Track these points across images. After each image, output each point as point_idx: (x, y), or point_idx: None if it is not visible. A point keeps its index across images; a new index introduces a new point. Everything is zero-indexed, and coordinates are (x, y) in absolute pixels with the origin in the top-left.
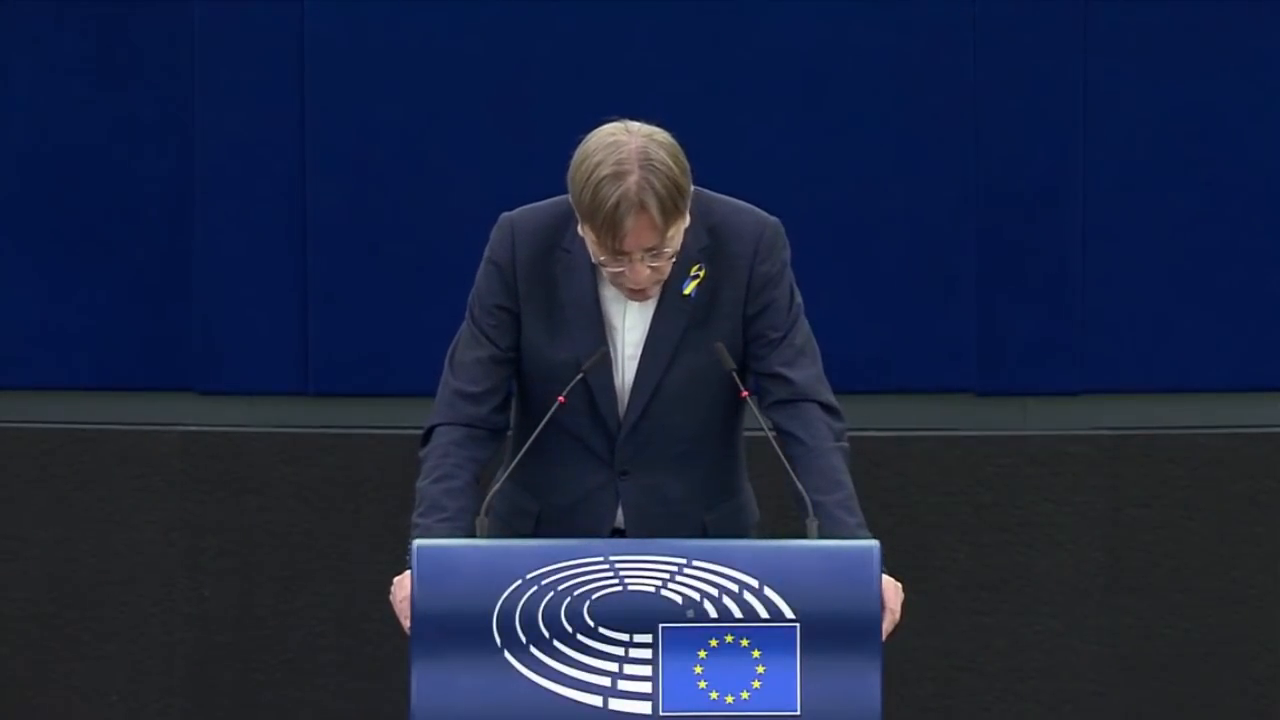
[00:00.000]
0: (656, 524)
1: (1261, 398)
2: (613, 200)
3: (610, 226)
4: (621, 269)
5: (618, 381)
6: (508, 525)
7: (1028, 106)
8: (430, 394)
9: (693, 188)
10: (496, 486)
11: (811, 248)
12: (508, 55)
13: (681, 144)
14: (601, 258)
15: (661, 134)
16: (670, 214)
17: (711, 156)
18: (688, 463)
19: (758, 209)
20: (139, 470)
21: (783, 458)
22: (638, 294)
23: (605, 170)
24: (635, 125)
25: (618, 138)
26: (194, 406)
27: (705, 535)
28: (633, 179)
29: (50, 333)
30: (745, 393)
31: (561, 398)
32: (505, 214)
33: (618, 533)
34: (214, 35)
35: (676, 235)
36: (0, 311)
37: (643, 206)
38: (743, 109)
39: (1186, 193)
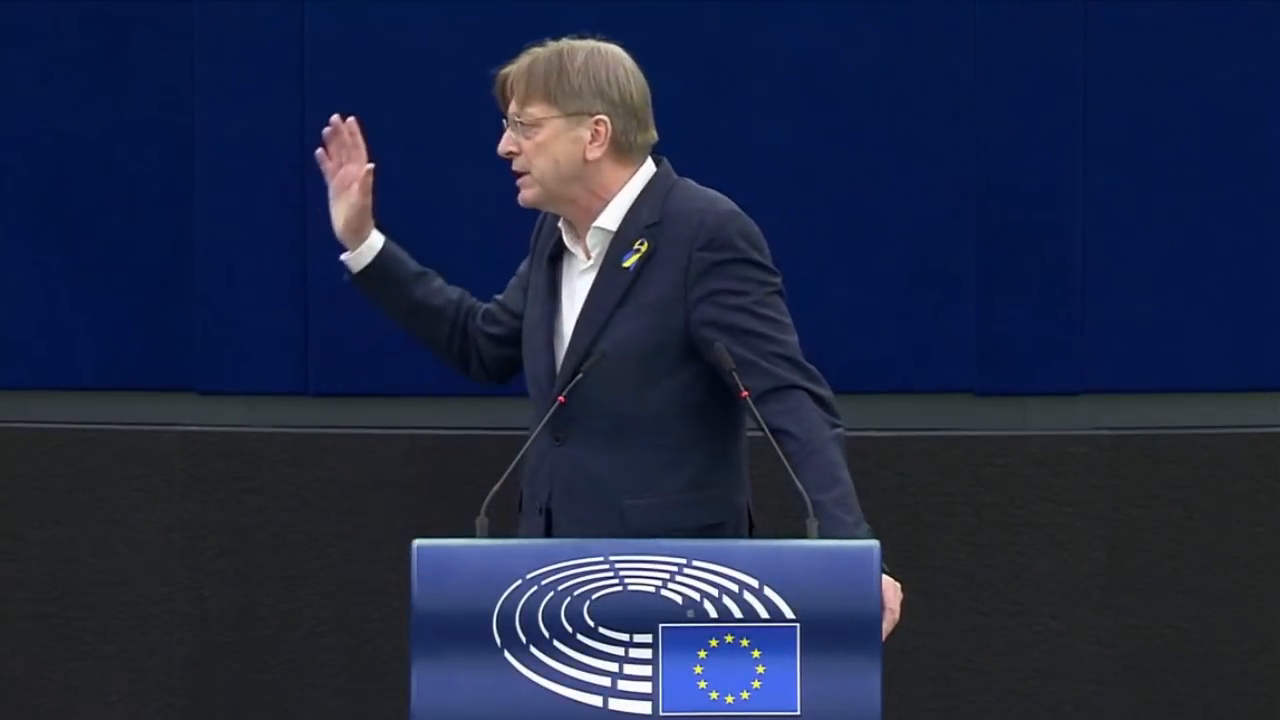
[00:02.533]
0: (578, 501)
1: (1261, 398)
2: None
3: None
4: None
5: (560, 348)
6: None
7: (1028, 106)
8: (430, 394)
9: (681, 179)
10: (496, 487)
11: (812, 248)
12: (508, 55)
13: (678, 137)
14: None
15: (615, 52)
16: (532, 90)
17: (712, 156)
18: (614, 441)
19: (725, 201)
20: (139, 470)
21: (782, 455)
22: (517, 181)
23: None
24: (609, 43)
25: (590, 38)
26: (194, 406)
27: (622, 520)
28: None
29: (50, 333)
30: (745, 392)
31: (562, 397)
32: None
33: (548, 511)
34: (214, 35)
35: (545, 125)
36: (0, 311)
37: (510, 69)
38: (743, 109)
39: (1186, 193)
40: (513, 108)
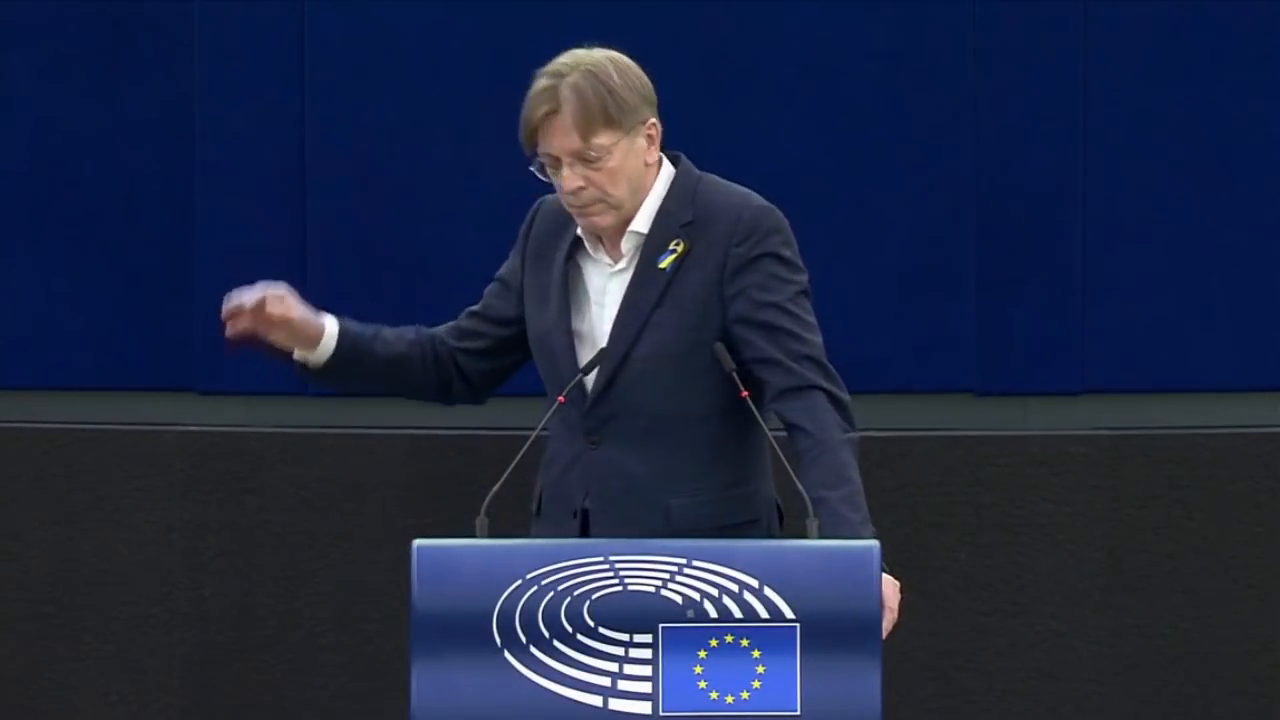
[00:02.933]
0: (617, 502)
1: (1261, 398)
2: (533, 100)
3: (533, 129)
4: (560, 179)
5: (589, 351)
6: (531, 507)
7: (1028, 106)
8: None
9: (705, 175)
10: (497, 487)
11: (812, 247)
12: (508, 55)
13: (679, 138)
14: (550, 174)
15: (622, 56)
16: (593, 121)
17: (711, 156)
18: (653, 441)
19: (756, 196)
20: (139, 470)
21: (783, 457)
22: (585, 215)
23: (540, 78)
24: (596, 49)
25: (574, 50)
26: (194, 406)
27: (667, 519)
28: (559, 80)
29: (50, 333)
30: (745, 393)
31: (561, 397)
32: (543, 196)
33: (584, 513)
34: (214, 35)
35: (614, 149)
36: (0, 311)
37: (557, 107)
38: (743, 108)
39: (1186, 193)
40: (572, 145)
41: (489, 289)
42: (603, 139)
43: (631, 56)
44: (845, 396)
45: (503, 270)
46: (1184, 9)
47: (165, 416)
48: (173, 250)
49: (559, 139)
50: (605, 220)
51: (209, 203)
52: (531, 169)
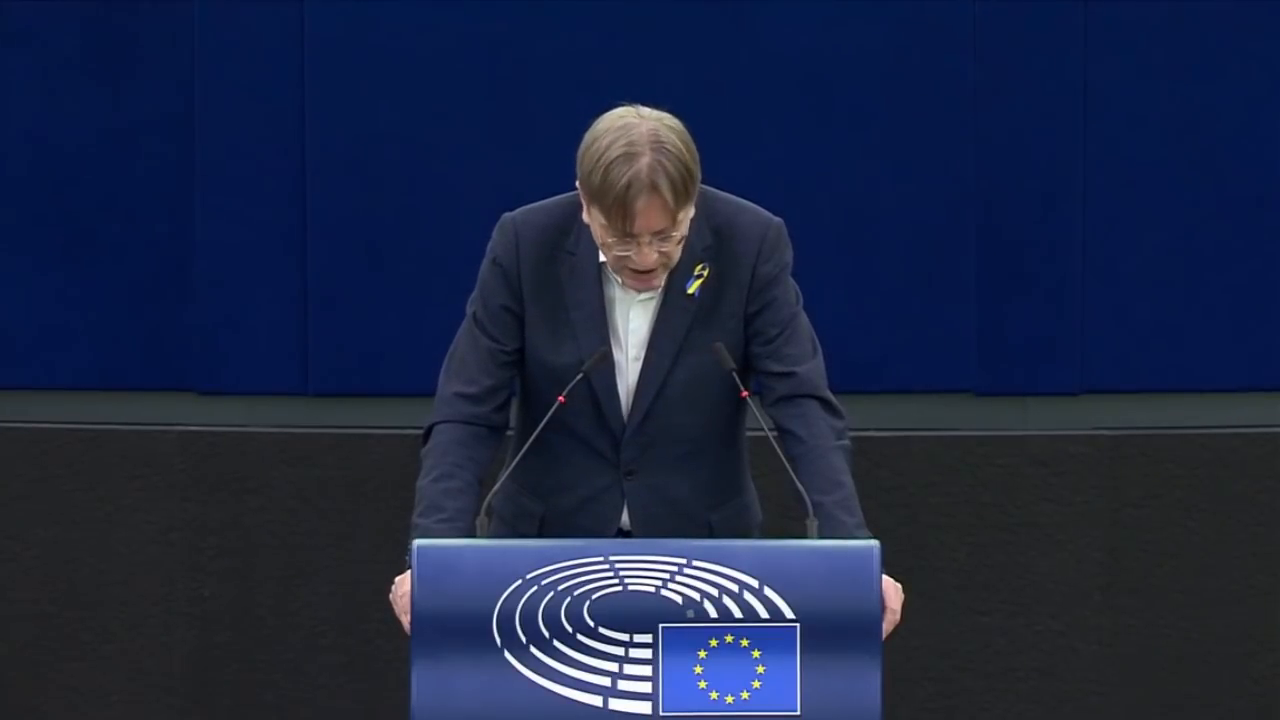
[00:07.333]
0: (662, 524)
1: (1261, 398)
2: (624, 181)
3: (621, 207)
4: (628, 252)
5: (621, 383)
6: (512, 528)
7: (1028, 106)
8: (430, 394)
9: (704, 189)
10: (496, 487)
11: (812, 248)
12: (508, 55)
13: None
14: (609, 240)
15: (671, 119)
16: (681, 197)
17: (712, 157)
18: (692, 462)
19: (761, 208)
20: (139, 470)
21: (783, 458)
22: (643, 279)
23: (616, 151)
24: (645, 110)
25: (628, 120)
26: (194, 406)
27: (711, 534)
28: (645, 160)
29: (50, 333)
30: (745, 393)
31: (561, 397)
32: (507, 215)
33: (623, 534)
34: (214, 35)
35: (685, 220)
36: (0, 311)
37: (654, 188)
38: (742, 109)
39: (1186, 193)
40: (661, 225)
41: (497, 325)
42: (684, 212)
43: (633, 58)
44: (841, 408)
45: (498, 301)
46: (1184, 9)
47: (165, 416)
48: (173, 250)
49: (652, 221)
50: (659, 282)
51: (209, 203)
52: (585, 219)
